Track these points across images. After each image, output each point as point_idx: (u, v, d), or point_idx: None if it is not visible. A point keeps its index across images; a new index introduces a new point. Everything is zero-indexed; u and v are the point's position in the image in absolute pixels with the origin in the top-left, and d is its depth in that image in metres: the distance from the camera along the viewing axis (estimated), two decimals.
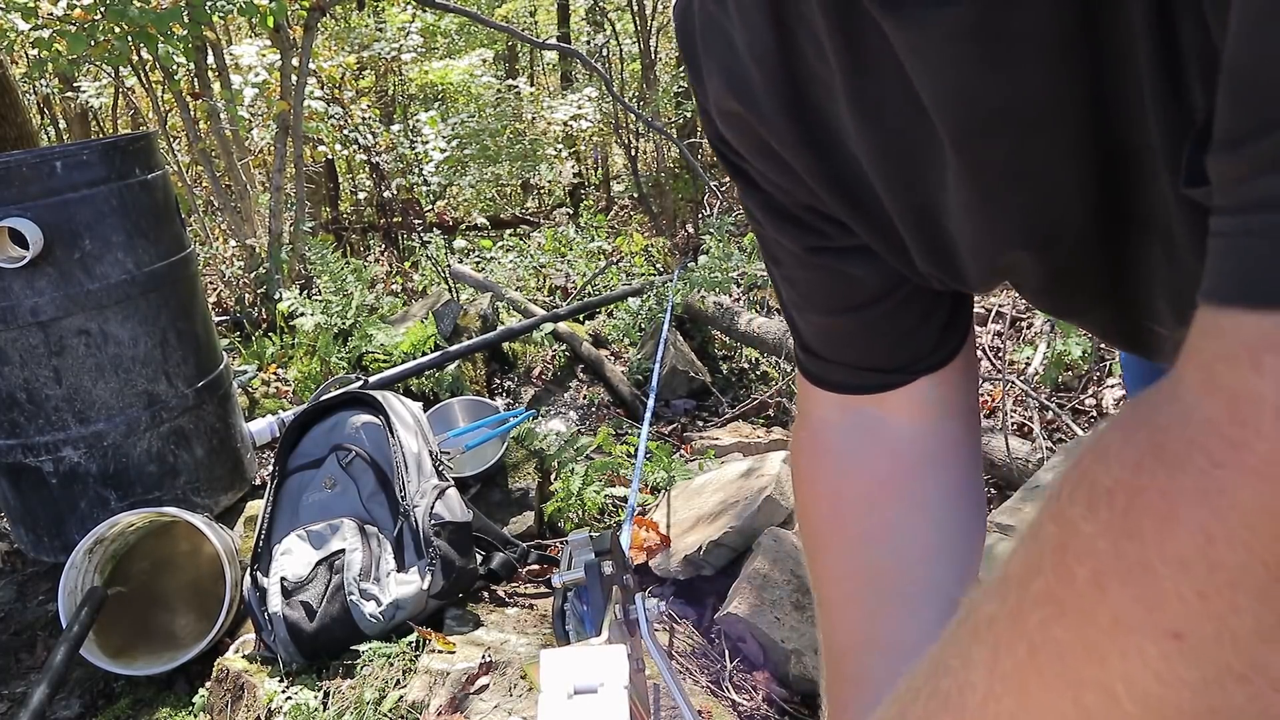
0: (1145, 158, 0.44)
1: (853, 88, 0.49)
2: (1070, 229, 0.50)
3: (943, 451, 0.68)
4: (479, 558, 1.87)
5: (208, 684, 1.72)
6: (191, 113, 4.09)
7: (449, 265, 4.38)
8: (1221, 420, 0.32)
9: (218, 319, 3.43)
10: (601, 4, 8.30)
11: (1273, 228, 0.31)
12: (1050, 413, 2.71)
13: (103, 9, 3.15)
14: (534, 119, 7.47)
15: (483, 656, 1.50)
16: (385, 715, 1.43)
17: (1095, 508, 0.36)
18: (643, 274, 4.41)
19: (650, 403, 2.49)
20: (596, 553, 0.81)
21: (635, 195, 7.66)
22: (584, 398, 3.18)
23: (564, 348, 3.41)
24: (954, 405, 0.67)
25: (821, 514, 0.72)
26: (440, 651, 1.54)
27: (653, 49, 7.35)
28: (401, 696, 1.45)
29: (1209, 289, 0.34)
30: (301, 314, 3.11)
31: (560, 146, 7.50)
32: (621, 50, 8.70)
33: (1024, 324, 3.23)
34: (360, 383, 2.60)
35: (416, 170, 6.35)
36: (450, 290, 3.89)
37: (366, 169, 6.55)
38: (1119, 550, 0.34)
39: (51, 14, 3.25)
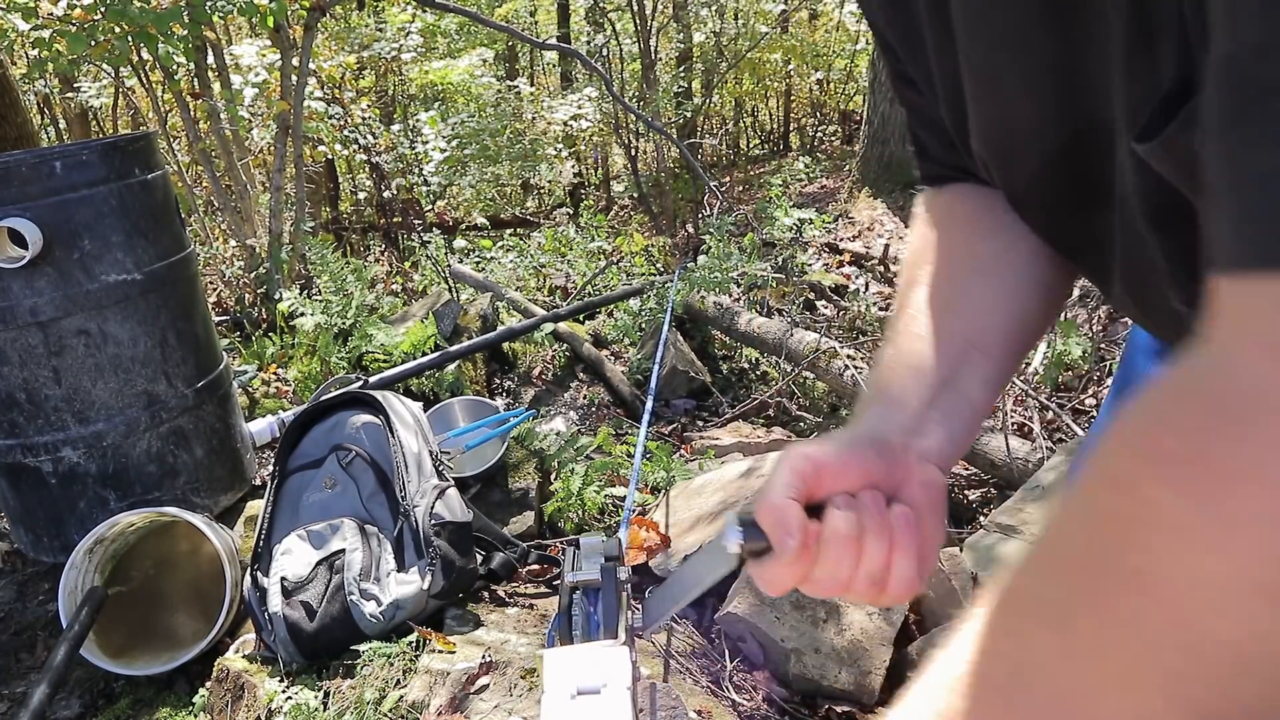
0: (1108, 131, 0.48)
1: None
2: (1025, 161, 0.56)
3: None
4: (479, 558, 1.87)
5: (208, 684, 1.72)
6: (191, 113, 4.08)
7: (449, 265, 4.38)
8: (1272, 373, 0.34)
9: (218, 319, 3.43)
10: (601, 4, 8.30)
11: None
12: (1050, 413, 2.71)
13: (103, 9, 3.15)
14: (534, 119, 7.47)
15: (483, 656, 1.49)
16: (385, 715, 1.43)
17: (1167, 477, 0.37)
18: (643, 274, 4.41)
19: (649, 404, 2.49)
20: (606, 557, 0.82)
21: (635, 195, 7.67)
22: (584, 398, 3.18)
23: (564, 348, 3.41)
24: None
25: (938, 220, 0.73)
26: (440, 651, 1.54)
27: (653, 49, 7.34)
28: (402, 696, 1.45)
29: (1230, 254, 0.36)
30: (301, 314, 3.10)
31: (560, 146, 7.50)
32: (621, 50, 8.71)
33: None
34: (360, 383, 2.60)
35: (416, 170, 6.35)
36: (450, 290, 3.88)
37: (366, 169, 6.55)
38: (1203, 514, 0.35)
39: (52, 14, 3.25)
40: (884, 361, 0.70)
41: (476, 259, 5.10)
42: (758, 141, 11.09)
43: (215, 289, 4.10)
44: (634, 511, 2.14)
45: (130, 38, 3.23)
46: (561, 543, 2.11)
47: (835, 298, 4.08)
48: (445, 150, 6.25)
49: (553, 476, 2.37)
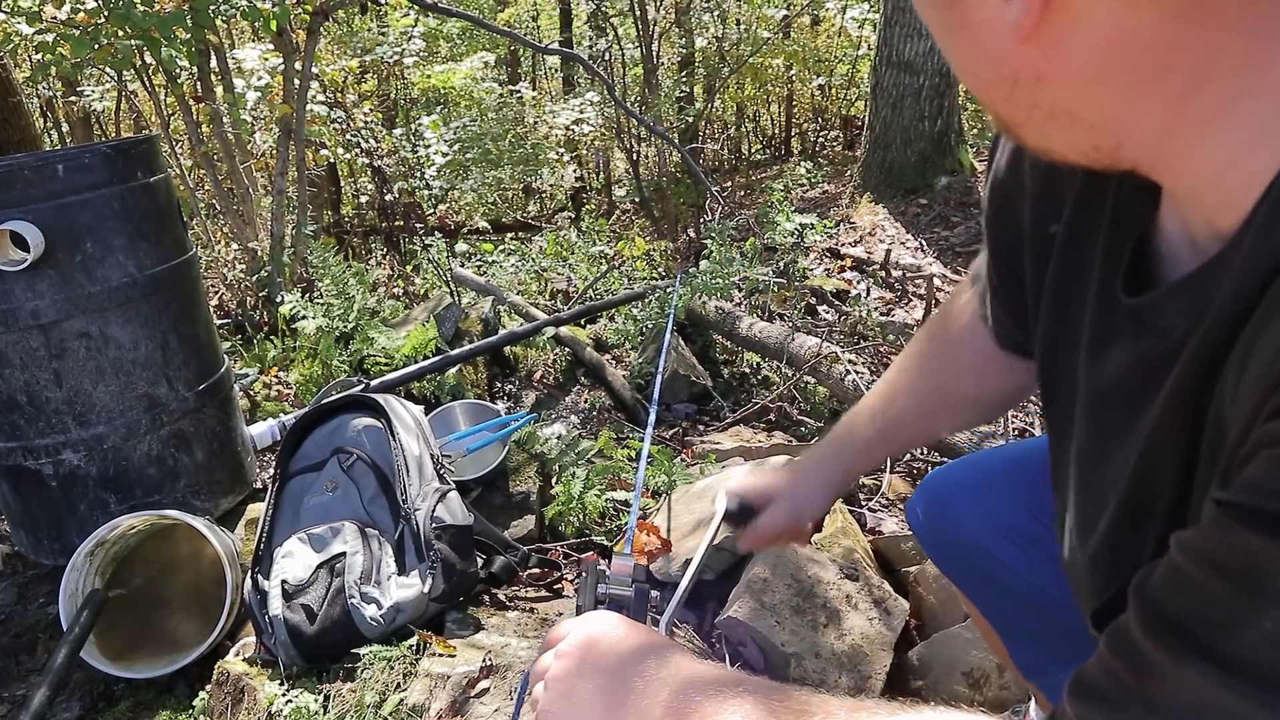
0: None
1: (1060, 284, 0.70)
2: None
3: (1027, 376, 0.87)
4: (480, 561, 1.87)
5: (208, 687, 1.72)
6: (194, 116, 4.09)
7: (450, 269, 4.38)
8: None
9: (219, 322, 3.43)
10: (604, 9, 8.32)
11: None
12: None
13: (106, 13, 3.16)
14: (536, 123, 7.48)
15: (483, 660, 1.49)
16: (386, 718, 1.42)
17: None
18: (644, 278, 4.41)
19: (653, 412, 2.48)
20: (635, 580, 0.91)
21: (637, 200, 7.67)
22: (585, 402, 3.18)
23: (566, 352, 3.41)
24: None
25: (927, 333, 1.06)
26: (441, 655, 1.54)
27: (654, 54, 7.36)
28: (402, 700, 1.45)
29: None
30: (303, 317, 3.10)
31: (562, 151, 7.51)
32: (624, 55, 8.72)
33: None
34: (362, 386, 2.59)
35: (418, 174, 6.36)
36: (452, 294, 3.89)
37: (368, 172, 6.56)
38: None
39: (55, 18, 3.26)
40: (855, 413, 1.07)
41: (478, 263, 5.10)
42: (759, 146, 11.09)
43: (217, 292, 4.10)
44: (637, 517, 2.13)
45: (134, 41, 3.24)
46: (578, 557, 2.11)
47: (836, 303, 4.08)
48: (447, 154, 6.26)
49: (554, 480, 2.36)
